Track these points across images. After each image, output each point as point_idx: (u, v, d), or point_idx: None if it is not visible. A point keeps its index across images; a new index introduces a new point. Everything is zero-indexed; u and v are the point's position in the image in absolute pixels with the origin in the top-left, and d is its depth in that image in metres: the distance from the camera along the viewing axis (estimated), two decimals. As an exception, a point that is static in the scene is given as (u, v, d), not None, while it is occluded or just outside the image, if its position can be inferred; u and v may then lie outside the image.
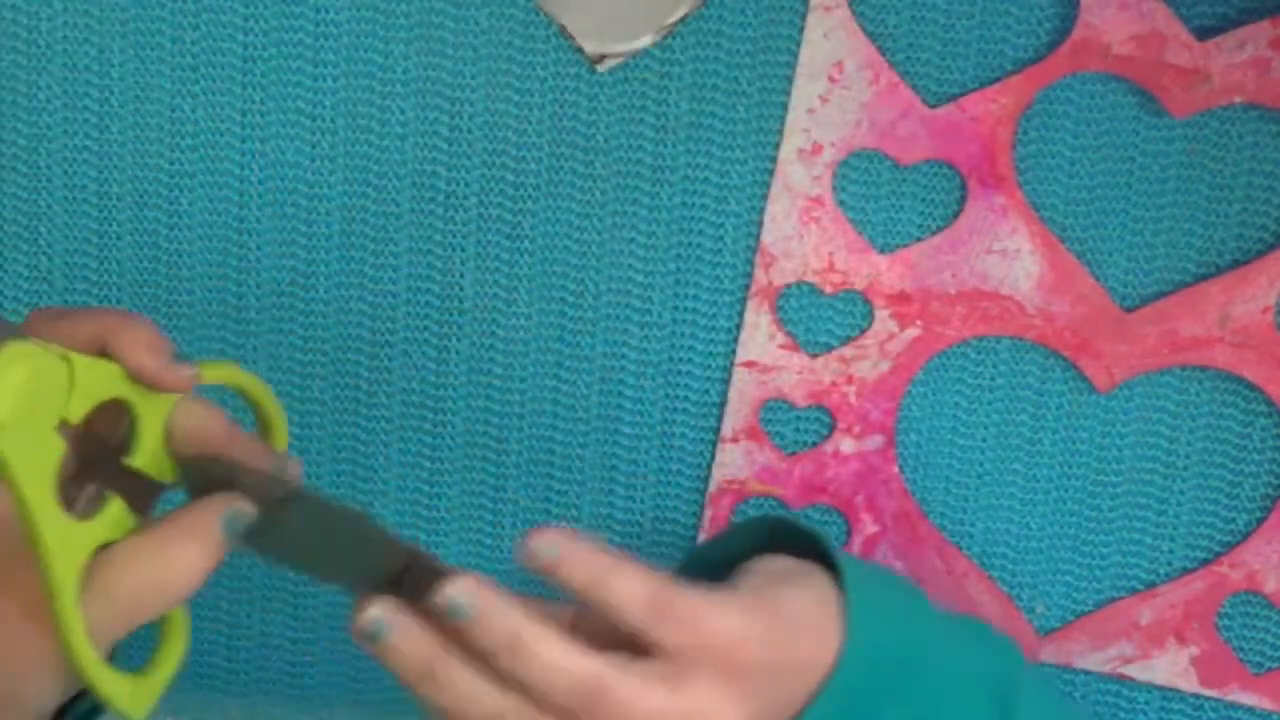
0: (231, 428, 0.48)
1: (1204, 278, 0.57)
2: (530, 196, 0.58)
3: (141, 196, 0.59)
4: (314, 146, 0.58)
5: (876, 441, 0.59)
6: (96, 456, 0.45)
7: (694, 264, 0.58)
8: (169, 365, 0.45)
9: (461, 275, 0.59)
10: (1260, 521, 0.58)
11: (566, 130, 0.58)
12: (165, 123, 0.59)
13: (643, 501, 0.61)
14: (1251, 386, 0.57)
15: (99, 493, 0.44)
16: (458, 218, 0.59)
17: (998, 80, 0.56)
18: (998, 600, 0.59)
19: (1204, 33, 0.55)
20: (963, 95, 0.56)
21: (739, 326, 0.58)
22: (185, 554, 0.44)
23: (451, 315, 0.59)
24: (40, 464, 0.41)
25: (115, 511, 0.44)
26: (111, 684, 0.42)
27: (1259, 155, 0.56)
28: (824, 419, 0.59)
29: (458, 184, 0.59)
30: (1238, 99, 0.55)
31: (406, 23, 0.57)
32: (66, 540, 0.42)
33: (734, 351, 0.59)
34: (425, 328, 0.59)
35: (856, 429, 0.59)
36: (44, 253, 0.60)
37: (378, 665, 0.64)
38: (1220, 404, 0.58)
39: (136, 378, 0.45)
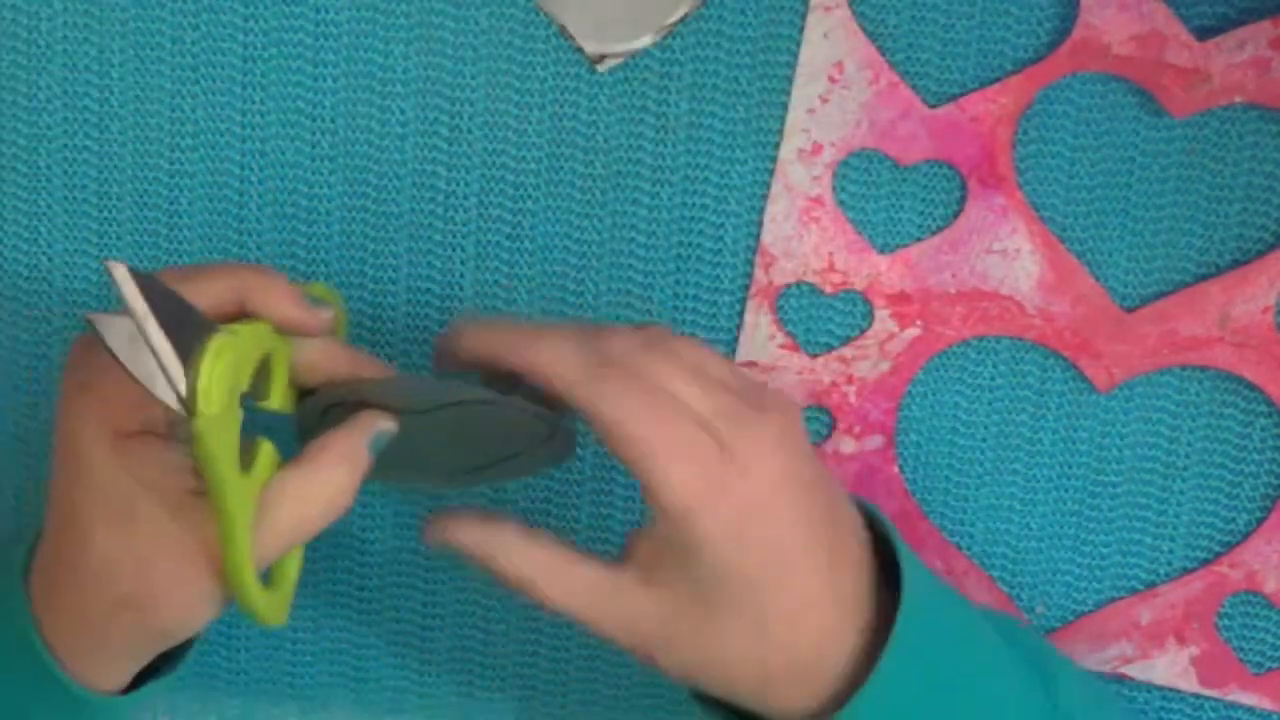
0: (352, 350, 0.51)
1: (1204, 278, 0.57)
2: (530, 196, 0.58)
3: (141, 196, 0.59)
4: (314, 146, 0.58)
5: (876, 441, 0.59)
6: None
7: (694, 264, 0.58)
8: (311, 311, 0.48)
9: (461, 275, 0.59)
10: (1260, 521, 0.58)
11: (566, 130, 0.58)
12: (165, 123, 0.59)
13: (642, 502, 0.60)
14: (1251, 386, 0.57)
15: (253, 440, 0.48)
16: (458, 218, 0.59)
17: (998, 80, 0.56)
18: (998, 600, 0.59)
19: (1204, 33, 0.55)
20: (963, 95, 0.56)
21: (739, 326, 0.58)
22: (338, 478, 0.48)
23: (451, 315, 0.59)
24: (230, 439, 0.46)
25: (266, 452, 0.48)
26: (266, 605, 0.48)
27: (1259, 155, 0.56)
28: (824, 419, 0.59)
29: (458, 184, 0.59)
30: (1238, 99, 0.55)
31: (406, 23, 0.57)
32: (242, 495, 0.46)
33: (734, 351, 0.59)
34: (425, 328, 0.59)
35: (856, 429, 0.59)
36: (44, 253, 0.60)
37: (377, 665, 0.64)
38: (1220, 404, 0.58)
39: (283, 329, 0.48)
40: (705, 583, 0.47)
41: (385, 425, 0.49)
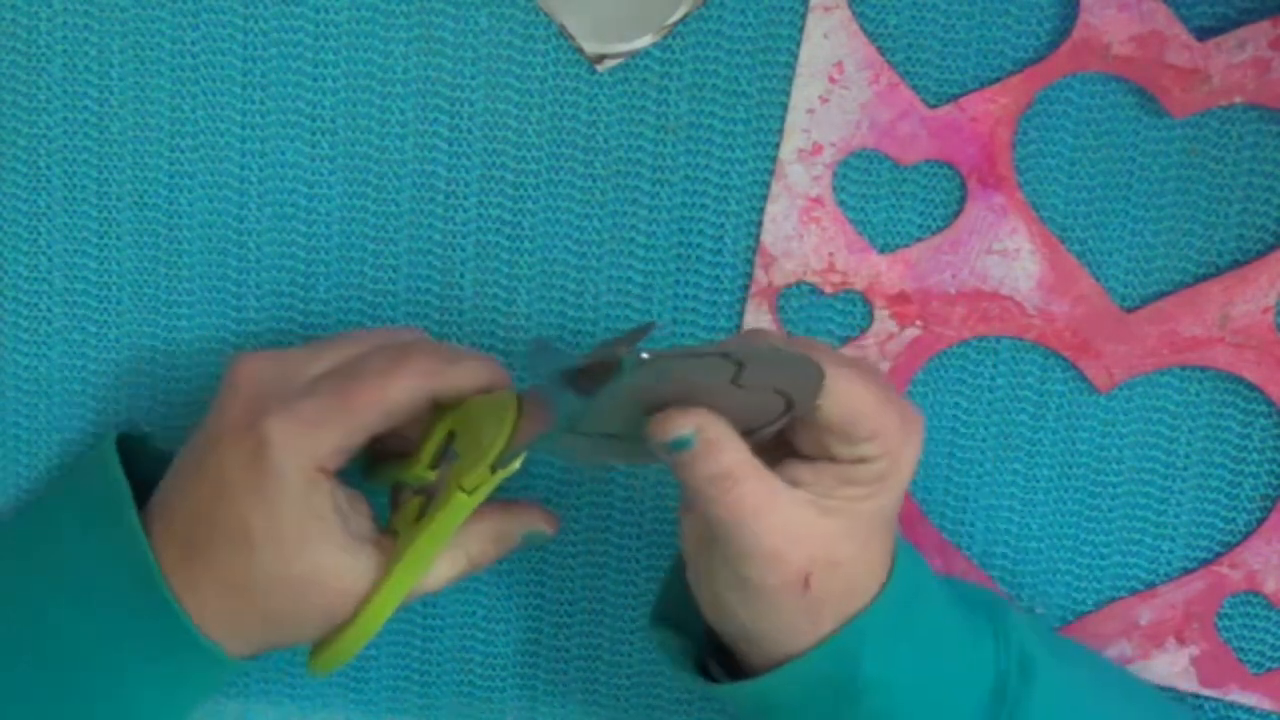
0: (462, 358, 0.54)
1: (1204, 278, 0.57)
2: (530, 196, 0.58)
3: (141, 196, 0.59)
4: (314, 146, 0.58)
5: (876, 441, 0.59)
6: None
7: (694, 264, 0.58)
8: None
9: (461, 275, 0.59)
10: (1260, 521, 0.58)
11: (566, 130, 0.58)
12: (165, 123, 0.59)
13: (642, 502, 0.61)
14: (1251, 386, 0.57)
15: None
16: (457, 218, 0.59)
17: (998, 80, 0.56)
18: (998, 600, 0.60)
19: (1204, 33, 0.55)
20: (963, 95, 0.56)
21: (739, 326, 0.58)
22: (484, 555, 0.54)
23: (451, 315, 0.59)
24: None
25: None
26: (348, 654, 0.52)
27: (1259, 155, 0.56)
28: (824, 419, 0.59)
29: (458, 184, 0.59)
30: (1238, 99, 0.55)
31: (406, 23, 0.57)
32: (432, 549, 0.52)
33: (734, 351, 0.59)
34: (425, 328, 0.59)
35: (856, 429, 0.59)
36: (44, 253, 0.60)
37: (377, 665, 0.64)
38: (1220, 404, 0.58)
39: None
40: (887, 510, 0.50)
41: (545, 529, 0.54)
